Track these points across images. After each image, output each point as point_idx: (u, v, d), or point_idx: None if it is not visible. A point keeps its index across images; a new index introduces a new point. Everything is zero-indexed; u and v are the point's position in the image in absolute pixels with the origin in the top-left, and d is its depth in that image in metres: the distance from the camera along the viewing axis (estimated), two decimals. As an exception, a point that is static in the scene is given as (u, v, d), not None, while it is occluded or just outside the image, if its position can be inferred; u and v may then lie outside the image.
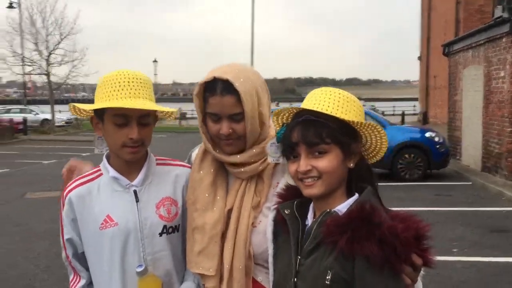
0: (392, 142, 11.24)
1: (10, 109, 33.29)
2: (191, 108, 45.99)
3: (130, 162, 1.66)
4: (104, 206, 1.65)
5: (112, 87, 1.56)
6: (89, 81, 32.01)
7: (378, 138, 1.43)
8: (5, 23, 29.59)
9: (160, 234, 1.67)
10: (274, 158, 1.63)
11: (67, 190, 1.70)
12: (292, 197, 1.46)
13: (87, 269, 1.73)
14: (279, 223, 1.48)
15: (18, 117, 26.77)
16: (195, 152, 1.77)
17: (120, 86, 1.56)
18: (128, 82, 1.56)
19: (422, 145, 11.33)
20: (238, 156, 1.62)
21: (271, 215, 1.55)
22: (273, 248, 1.52)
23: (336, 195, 1.38)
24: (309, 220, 1.42)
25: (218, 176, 1.67)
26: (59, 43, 28.03)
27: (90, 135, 24.17)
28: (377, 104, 50.51)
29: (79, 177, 1.73)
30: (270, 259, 1.52)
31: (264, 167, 1.62)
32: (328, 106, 1.34)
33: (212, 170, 1.67)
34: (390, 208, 1.43)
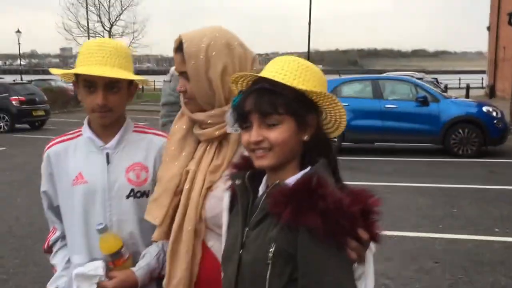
0: (445, 117, 10.79)
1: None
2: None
3: (105, 127, 1.74)
4: (78, 164, 1.74)
5: (83, 54, 1.66)
6: (153, 52, 32.79)
7: (336, 111, 1.36)
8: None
9: (127, 197, 1.73)
10: (232, 128, 1.59)
11: (47, 147, 1.80)
12: (248, 168, 1.42)
13: (62, 222, 1.82)
14: (234, 193, 1.45)
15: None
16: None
17: (89, 53, 1.64)
18: (96, 50, 1.64)
19: (478, 120, 10.75)
20: (197, 114, 1.62)
21: (227, 184, 1.52)
22: (227, 218, 1.50)
23: (288, 168, 1.33)
24: (261, 192, 1.38)
25: (190, 135, 1.68)
26: (120, 14, 28.82)
27: (150, 104, 24.93)
28: (443, 77, 48.35)
29: (60, 135, 1.84)
30: (224, 228, 1.51)
31: (221, 133, 1.59)
32: (285, 75, 1.28)
33: (184, 127, 1.69)
34: (347, 183, 1.38)
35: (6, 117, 15.93)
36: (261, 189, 1.39)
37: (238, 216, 1.39)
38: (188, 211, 1.58)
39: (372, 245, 1.33)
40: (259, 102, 1.26)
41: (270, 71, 1.31)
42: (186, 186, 1.60)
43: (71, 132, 1.83)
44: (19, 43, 40.01)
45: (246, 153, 1.51)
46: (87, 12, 29.56)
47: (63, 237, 1.84)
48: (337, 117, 1.38)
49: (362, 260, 1.27)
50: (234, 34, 1.67)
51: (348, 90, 11.36)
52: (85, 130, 1.77)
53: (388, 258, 4.84)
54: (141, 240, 1.77)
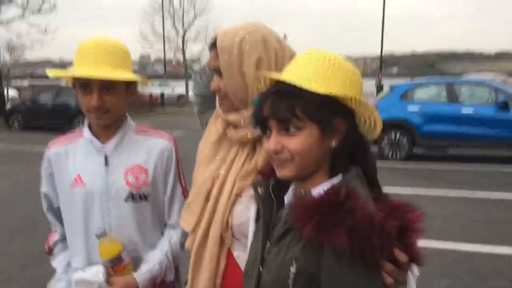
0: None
1: (152, 85, 36.29)
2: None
3: (106, 127, 1.70)
4: (77, 165, 1.71)
5: (78, 55, 1.61)
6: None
7: (369, 113, 1.18)
8: (147, 4, 32.02)
9: (126, 200, 1.69)
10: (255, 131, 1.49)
11: (48, 148, 1.79)
12: (275, 174, 1.26)
13: (62, 224, 1.80)
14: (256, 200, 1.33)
15: (156, 91, 29.06)
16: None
17: (83, 54, 1.60)
18: (91, 49, 1.59)
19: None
20: (229, 115, 1.53)
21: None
22: (253, 229, 1.38)
23: (315, 176, 1.18)
24: (286, 202, 1.24)
25: (225, 137, 1.58)
26: (193, 21, 29.65)
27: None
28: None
29: (62, 136, 1.82)
30: (250, 238, 1.39)
31: (254, 136, 1.47)
32: (308, 74, 1.13)
33: (220, 127, 1.60)
34: (388, 196, 1.22)
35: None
36: (287, 199, 1.25)
37: (259, 228, 1.26)
38: (215, 217, 1.49)
39: (415, 269, 1.15)
40: (276, 107, 1.12)
41: (290, 72, 1.16)
42: (215, 191, 1.51)
43: (73, 133, 1.81)
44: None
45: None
46: (163, 19, 30.77)
47: (63, 239, 1.82)
48: (371, 120, 1.20)
49: (401, 286, 1.10)
50: (272, 30, 1.55)
51: (420, 93, 10.80)
52: (85, 131, 1.74)
53: (453, 275, 4.47)
54: (141, 244, 1.72)
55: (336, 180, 1.17)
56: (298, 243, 1.10)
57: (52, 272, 1.86)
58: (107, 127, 1.70)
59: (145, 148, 1.75)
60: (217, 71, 1.50)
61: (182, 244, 1.70)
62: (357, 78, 1.19)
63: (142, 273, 1.66)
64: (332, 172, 1.19)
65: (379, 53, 29.77)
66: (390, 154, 10.63)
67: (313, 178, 1.18)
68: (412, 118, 10.40)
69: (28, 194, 7.09)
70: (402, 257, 1.06)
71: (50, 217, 1.84)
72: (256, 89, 1.45)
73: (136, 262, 1.70)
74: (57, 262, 1.82)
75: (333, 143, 1.15)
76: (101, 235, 1.62)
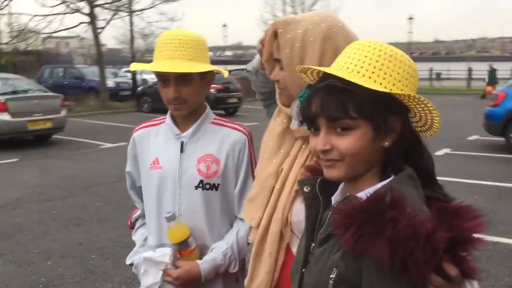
0: None
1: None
2: (446, 68, 42.87)
3: (186, 116, 1.77)
4: (156, 149, 1.80)
5: (156, 49, 1.70)
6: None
7: (427, 112, 1.08)
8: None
9: (196, 188, 1.73)
10: (297, 123, 1.43)
11: (134, 130, 1.91)
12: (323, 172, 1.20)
13: (143, 202, 1.90)
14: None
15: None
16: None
17: (160, 48, 1.68)
18: (166, 43, 1.67)
19: None
20: (288, 109, 1.52)
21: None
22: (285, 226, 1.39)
23: (366, 177, 1.10)
24: (333, 202, 1.18)
25: (289, 130, 1.55)
26: (313, 4, 29.36)
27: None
28: None
29: (148, 120, 1.93)
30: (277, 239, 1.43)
31: None
32: (361, 68, 1.04)
33: (285, 120, 1.58)
34: (447, 195, 1.12)
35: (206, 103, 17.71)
36: (334, 199, 1.18)
37: (306, 228, 1.22)
38: (275, 213, 1.49)
39: (473, 284, 1.04)
40: (326, 104, 1.04)
41: (342, 63, 1.07)
42: (278, 186, 1.50)
43: (158, 118, 1.89)
44: (225, 36, 44.34)
45: None
46: (283, 3, 30.93)
47: (143, 216, 1.91)
48: (428, 118, 1.09)
49: None
50: (339, 19, 1.46)
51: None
52: (168, 118, 1.82)
53: None
54: (208, 233, 1.76)
55: (384, 182, 1.08)
56: (339, 249, 1.04)
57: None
58: (187, 116, 1.76)
59: (219, 138, 1.78)
60: (278, 62, 1.47)
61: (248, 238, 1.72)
62: (414, 72, 1.08)
63: (206, 261, 1.70)
64: (384, 173, 1.11)
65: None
66: (519, 147, 9.66)
67: (364, 179, 1.10)
68: (547, 107, 9.30)
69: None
70: (452, 270, 0.96)
71: (132, 195, 1.95)
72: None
73: (202, 250, 1.74)
74: (137, 236, 1.93)
75: (387, 143, 1.07)
76: (171, 219, 1.68)
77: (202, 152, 1.76)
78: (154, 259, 1.69)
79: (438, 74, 37.07)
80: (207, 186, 1.74)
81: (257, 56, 1.70)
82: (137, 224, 1.96)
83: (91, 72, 22.34)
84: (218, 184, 1.75)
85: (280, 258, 1.49)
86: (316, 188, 1.20)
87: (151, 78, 22.49)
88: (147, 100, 18.53)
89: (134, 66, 1.83)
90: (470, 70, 25.23)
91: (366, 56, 1.05)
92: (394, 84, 1.04)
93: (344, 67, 1.06)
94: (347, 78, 1.01)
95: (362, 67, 1.04)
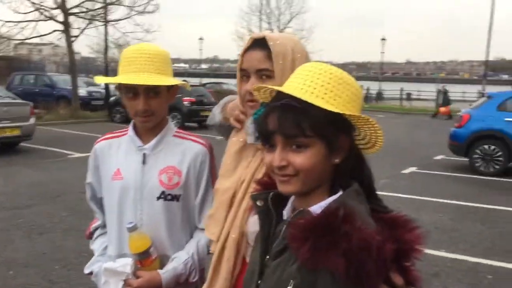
0: None
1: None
2: (416, 89, 43.88)
3: (148, 129, 1.81)
4: (118, 160, 1.83)
5: (123, 62, 1.73)
6: (313, 58, 33.31)
7: (372, 132, 1.16)
8: (245, 4, 32.82)
9: (158, 199, 1.77)
10: (253, 139, 1.50)
11: (96, 141, 1.93)
12: (274, 187, 1.25)
13: (104, 213, 1.92)
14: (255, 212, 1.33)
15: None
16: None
17: (128, 61, 1.71)
18: (136, 57, 1.70)
19: None
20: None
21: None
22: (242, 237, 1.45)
23: (316, 192, 1.16)
24: (285, 215, 1.24)
25: (246, 147, 1.62)
26: (289, 22, 29.82)
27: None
28: None
29: (110, 132, 1.95)
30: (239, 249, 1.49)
31: None
32: (314, 89, 1.10)
33: (241, 139, 1.64)
34: (387, 207, 1.20)
35: (178, 116, 17.58)
36: (286, 213, 1.24)
37: (258, 241, 1.27)
38: (235, 220, 1.54)
39: None
40: (283, 123, 1.09)
41: (296, 84, 1.13)
42: (240, 195, 1.56)
43: (120, 130, 1.93)
44: (200, 49, 44.51)
45: None
46: (260, 20, 31.30)
47: (103, 226, 1.94)
48: (373, 136, 1.17)
49: None
50: None
51: (520, 104, 10.00)
52: (130, 130, 1.85)
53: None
54: (169, 243, 1.79)
55: (334, 197, 1.15)
56: (295, 262, 1.09)
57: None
58: (151, 129, 1.80)
59: (180, 151, 1.82)
60: (260, 72, 1.52)
61: (209, 248, 1.76)
62: (360, 94, 1.17)
63: (167, 271, 1.73)
64: (332, 188, 1.17)
65: (489, 57, 27.88)
66: (482, 167, 9.96)
67: (314, 194, 1.16)
68: (509, 129, 9.64)
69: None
70: (398, 280, 1.03)
71: (92, 205, 1.96)
72: None
73: (163, 260, 1.77)
74: (96, 245, 1.94)
75: (337, 160, 1.14)
76: (132, 229, 1.70)
77: (164, 163, 1.79)
78: (115, 269, 1.71)
79: (409, 94, 37.90)
80: (169, 197, 1.78)
81: (217, 112, 1.80)
82: (96, 234, 1.97)
83: (63, 80, 22.03)
84: (180, 195, 1.79)
85: (237, 267, 1.53)
86: (269, 202, 1.25)
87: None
88: (119, 111, 18.35)
89: (100, 79, 1.86)
90: (439, 91, 26.05)
91: (318, 79, 1.11)
92: (344, 105, 1.11)
93: (298, 87, 1.11)
94: (304, 99, 1.07)
95: (315, 88, 1.10)
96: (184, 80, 1.92)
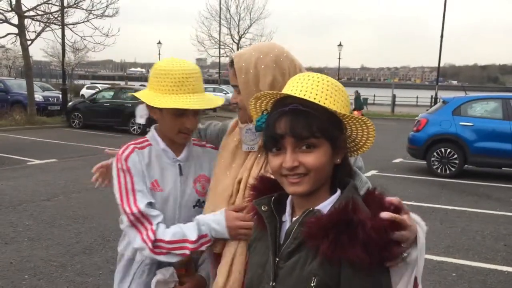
0: None
1: (206, 88, 36.98)
2: (372, 94, 44.98)
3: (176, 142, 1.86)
4: (153, 171, 1.81)
5: (172, 81, 1.72)
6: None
7: (365, 132, 1.29)
8: (205, 10, 32.91)
9: (194, 206, 1.85)
10: (248, 146, 1.62)
11: (125, 154, 1.77)
12: (267, 189, 1.36)
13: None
14: (254, 216, 1.40)
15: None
16: (233, 120, 1.89)
17: (179, 81, 1.72)
18: (187, 77, 1.73)
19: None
20: (244, 125, 1.70)
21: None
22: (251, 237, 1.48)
23: (320, 193, 1.25)
24: (287, 217, 1.31)
25: (240, 147, 1.74)
26: (249, 27, 30.03)
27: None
28: None
29: (133, 142, 1.85)
30: (238, 249, 1.58)
31: None
32: (316, 95, 1.20)
33: (235, 139, 1.77)
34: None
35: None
36: (288, 214, 1.31)
37: (263, 242, 1.33)
38: None
39: (422, 223, 1.23)
40: (294, 125, 1.18)
41: (298, 91, 1.22)
42: (239, 196, 1.64)
43: (139, 141, 1.85)
44: (159, 54, 44.10)
45: (260, 173, 1.51)
46: (220, 26, 31.35)
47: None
48: (365, 137, 1.30)
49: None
50: (282, 47, 1.69)
51: (474, 109, 10.48)
52: (158, 142, 1.84)
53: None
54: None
55: (336, 195, 1.25)
56: (314, 259, 1.16)
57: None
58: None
59: (207, 158, 1.91)
60: (236, 87, 1.68)
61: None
62: (349, 100, 1.31)
63: (206, 273, 1.85)
64: (332, 187, 1.28)
65: (439, 63, 28.99)
66: (439, 169, 10.39)
67: (318, 194, 1.25)
68: (464, 133, 10.11)
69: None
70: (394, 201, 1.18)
71: (148, 210, 1.74)
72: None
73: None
74: (172, 229, 1.73)
75: (339, 160, 1.25)
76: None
77: (197, 172, 1.88)
78: (166, 279, 1.76)
79: (365, 100, 38.79)
80: (203, 204, 1.84)
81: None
82: (162, 226, 1.72)
83: (17, 85, 21.35)
84: None
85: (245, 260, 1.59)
86: (272, 206, 1.32)
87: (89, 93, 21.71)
88: (78, 116, 17.98)
89: (156, 103, 1.72)
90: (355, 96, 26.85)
91: (317, 86, 1.22)
92: (342, 108, 1.24)
93: (301, 94, 1.21)
94: (316, 101, 1.18)
95: (317, 94, 1.21)
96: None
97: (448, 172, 10.31)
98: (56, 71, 25.13)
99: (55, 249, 5.16)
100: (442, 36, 27.76)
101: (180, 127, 1.76)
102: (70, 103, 19.13)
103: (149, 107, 1.80)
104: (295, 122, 1.18)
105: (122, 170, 1.75)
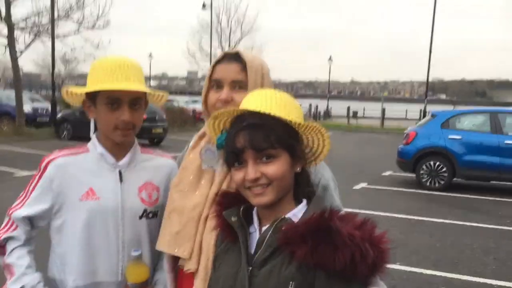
0: None
1: (197, 100, 36.97)
2: (361, 107, 45.38)
3: (118, 145, 1.71)
4: (88, 178, 1.69)
5: (104, 71, 1.62)
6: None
7: (321, 140, 1.34)
8: (196, 23, 33.13)
9: (140, 217, 1.72)
10: (208, 165, 1.59)
11: (49, 158, 1.72)
12: (231, 204, 1.38)
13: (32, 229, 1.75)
14: (221, 229, 1.41)
15: (200, 108, 29.58)
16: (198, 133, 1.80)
17: (111, 70, 1.61)
18: (119, 66, 1.61)
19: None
20: (204, 147, 1.64)
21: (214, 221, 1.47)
22: (214, 252, 1.47)
23: (284, 202, 1.30)
24: (256, 227, 1.34)
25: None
26: (239, 40, 30.22)
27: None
28: None
29: (63, 149, 1.77)
30: (209, 264, 1.49)
31: None
32: (271, 108, 1.26)
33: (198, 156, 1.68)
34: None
35: (130, 133, 17.36)
36: (256, 225, 1.34)
37: (233, 253, 1.34)
38: (204, 234, 1.57)
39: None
40: (253, 139, 1.24)
41: (255, 105, 1.27)
42: (206, 212, 1.58)
43: (75, 148, 1.78)
44: (150, 66, 44.22)
45: (223, 190, 1.51)
46: (211, 38, 31.56)
47: (24, 244, 1.72)
48: (321, 146, 1.36)
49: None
50: None
51: (462, 122, 10.58)
52: (96, 146, 1.72)
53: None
54: (150, 262, 1.74)
55: (304, 204, 1.31)
56: (289, 264, 1.19)
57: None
58: (120, 145, 1.71)
59: (153, 166, 1.79)
60: (234, 83, 1.60)
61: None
62: (301, 110, 1.36)
63: None
64: (296, 196, 1.33)
65: (427, 78, 29.32)
66: (428, 182, 10.43)
67: (282, 203, 1.30)
68: (452, 147, 10.17)
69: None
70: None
71: (24, 221, 1.74)
72: None
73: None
74: (12, 258, 1.69)
75: (299, 168, 1.31)
76: (139, 257, 1.61)
77: (141, 180, 1.74)
78: None
79: (355, 113, 39.10)
80: (150, 215, 1.73)
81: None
82: (11, 245, 1.70)
83: (6, 96, 21.20)
84: (157, 211, 1.75)
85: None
86: (241, 216, 1.35)
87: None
88: (67, 127, 17.85)
89: (83, 89, 1.68)
90: (384, 110, 27.16)
91: (271, 100, 1.29)
92: (296, 119, 1.29)
93: (256, 108, 1.26)
94: (272, 114, 1.23)
95: (271, 108, 1.27)
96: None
97: (437, 185, 10.35)
98: (46, 83, 25.01)
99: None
100: (430, 51, 28.15)
101: (116, 122, 1.62)
102: (59, 115, 18.98)
103: (87, 107, 1.70)
104: (254, 135, 1.24)
105: (39, 171, 1.72)
